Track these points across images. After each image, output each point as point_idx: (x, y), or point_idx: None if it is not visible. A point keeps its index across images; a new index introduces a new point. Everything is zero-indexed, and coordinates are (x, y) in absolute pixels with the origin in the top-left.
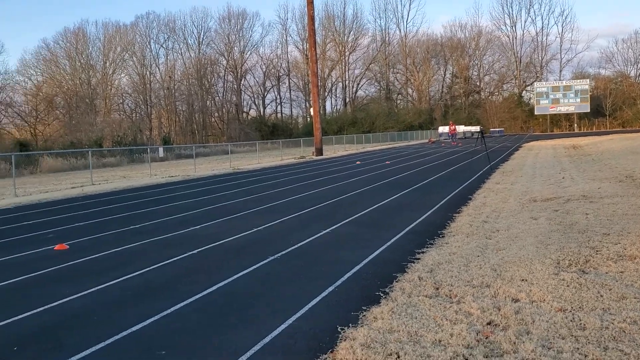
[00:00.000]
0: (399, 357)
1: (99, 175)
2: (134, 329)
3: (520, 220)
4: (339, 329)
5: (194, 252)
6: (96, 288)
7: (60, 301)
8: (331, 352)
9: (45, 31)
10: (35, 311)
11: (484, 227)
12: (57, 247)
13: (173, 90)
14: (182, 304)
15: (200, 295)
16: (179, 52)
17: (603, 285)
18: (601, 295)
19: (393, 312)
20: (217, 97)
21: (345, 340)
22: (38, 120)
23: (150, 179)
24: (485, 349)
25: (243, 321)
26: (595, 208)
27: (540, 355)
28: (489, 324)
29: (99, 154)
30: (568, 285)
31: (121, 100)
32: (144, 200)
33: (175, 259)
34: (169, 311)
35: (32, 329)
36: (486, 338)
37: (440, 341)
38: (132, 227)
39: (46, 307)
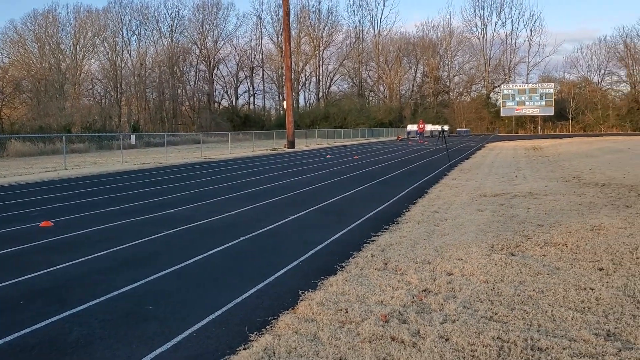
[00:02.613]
0: (347, 312)
1: (69, 161)
2: (123, 290)
3: (467, 212)
4: (299, 293)
5: (171, 231)
6: (86, 258)
7: (56, 267)
8: (292, 308)
9: (13, 12)
10: (35, 274)
11: (434, 216)
12: (42, 224)
13: (144, 78)
14: (164, 272)
15: (179, 266)
16: (152, 39)
17: (525, 264)
18: (521, 272)
19: (346, 280)
20: (189, 86)
21: (304, 300)
22: (4, 103)
23: (122, 166)
24: (418, 308)
25: (218, 286)
26: (537, 203)
27: (459, 313)
28: (424, 290)
29: (68, 139)
30: (496, 264)
31: (91, 86)
32: (119, 185)
33: (154, 236)
34: (153, 277)
35: (36, 288)
36: (420, 300)
37: (382, 301)
38: (111, 208)
39: (44, 271)
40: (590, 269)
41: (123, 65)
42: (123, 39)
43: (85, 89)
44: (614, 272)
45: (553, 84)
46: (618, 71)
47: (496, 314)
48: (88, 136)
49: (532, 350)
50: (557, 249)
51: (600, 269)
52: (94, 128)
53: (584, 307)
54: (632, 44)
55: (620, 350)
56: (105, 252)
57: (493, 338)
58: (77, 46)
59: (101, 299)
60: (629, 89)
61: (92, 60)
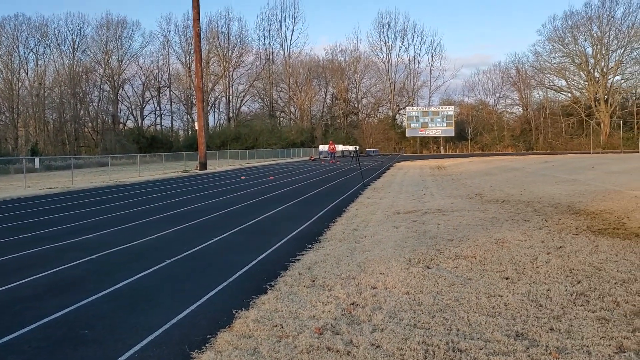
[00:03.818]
0: (282, 327)
1: None
2: (54, 316)
3: (384, 229)
4: (233, 312)
5: (93, 256)
6: (7, 286)
7: None
8: (229, 327)
9: None
10: None
11: (354, 234)
12: None
13: (43, 98)
14: (94, 297)
15: (109, 290)
16: (51, 57)
17: (440, 276)
18: (437, 283)
19: (278, 298)
20: (92, 107)
21: (239, 318)
22: None
23: (27, 191)
24: (348, 320)
25: (152, 308)
26: (445, 219)
27: (386, 322)
28: (352, 304)
29: None
30: (414, 277)
31: None
32: (27, 211)
33: (77, 262)
34: (83, 302)
35: None
36: (349, 313)
37: (314, 316)
38: (24, 235)
39: None
40: (498, 278)
41: (20, 85)
42: (19, 57)
43: None
44: (518, 280)
45: (453, 107)
46: (511, 94)
47: (419, 321)
48: None
49: (453, 351)
50: (467, 261)
51: (506, 278)
52: None
53: (495, 312)
54: (524, 69)
55: (528, 348)
56: (26, 279)
57: (419, 343)
58: None
59: (32, 326)
60: (521, 111)
61: None
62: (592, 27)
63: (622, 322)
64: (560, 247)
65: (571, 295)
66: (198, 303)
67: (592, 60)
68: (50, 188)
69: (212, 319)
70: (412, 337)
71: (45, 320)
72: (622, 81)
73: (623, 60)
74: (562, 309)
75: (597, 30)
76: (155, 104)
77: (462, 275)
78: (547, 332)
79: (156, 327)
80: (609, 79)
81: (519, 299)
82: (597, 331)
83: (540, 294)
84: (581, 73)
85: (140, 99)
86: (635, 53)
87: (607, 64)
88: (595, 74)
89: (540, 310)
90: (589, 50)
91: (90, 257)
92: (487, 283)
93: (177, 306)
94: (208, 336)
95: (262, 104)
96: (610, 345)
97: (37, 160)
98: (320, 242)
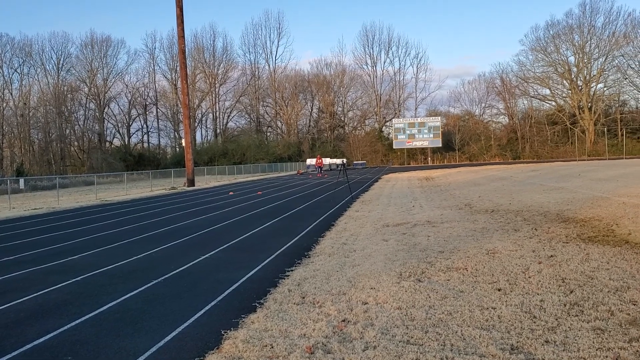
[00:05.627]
0: (272, 347)
1: None
2: (36, 342)
3: (373, 242)
4: (222, 332)
5: (78, 278)
6: None
7: None
8: (217, 348)
9: None
10: None
11: (343, 248)
12: None
13: (28, 118)
14: (78, 321)
15: (93, 313)
16: (36, 77)
17: (432, 289)
18: (429, 297)
19: (267, 316)
20: (78, 126)
21: (228, 339)
22: None
23: (11, 212)
24: (339, 338)
25: (138, 331)
26: (435, 231)
27: (379, 339)
28: (343, 320)
29: None
30: (406, 291)
31: None
32: (11, 233)
33: (60, 285)
34: (66, 327)
35: None
36: (341, 330)
37: (305, 334)
38: (7, 258)
39: None
40: (490, 290)
41: (4, 105)
42: (4, 78)
43: None
44: (511, 291)
45: (439, 118)
46: (497, 104)
47: (412, 337)
48: None
49: None
50: (459, 273)
51: (499, 289)
52: None
53: (489, 325)
54: (508, 79)
55: None
56: (7, 305)
57: None
58: None
59: (13, 353)
60: (507, 120)
61: None
62: (574, 36)
63: (618, 331)
64: (552, 256)
65: (565, 305)
66: (185, 324)
67: (575, 69)
68: (35, 209)
69: (200, 340)
70: (406, 354)
71: (27, 346)
72: (605, 89)
73: (605, 68)
74: (557, 319)
75: (578, 39)
76: (142, 122)
77: (454, 288)
78: (543, 344)
79: (142, 351)
80: (592, 86)
81: (512, 310)
82: (593, 342)
83: (533, 305)
84: (564, 82)
85: (127, 116)
86: (616, 61)
87: (589, 72)
88: (578, 82)
89: (535, 322)
90: (572, 59)
91: (74, 280)
92: (480, 295)
93: (164, 328)
94: (196, 359)
95: (248, 119)
96: (607, 356)
97: (22, 180)
98: (309, 257)
